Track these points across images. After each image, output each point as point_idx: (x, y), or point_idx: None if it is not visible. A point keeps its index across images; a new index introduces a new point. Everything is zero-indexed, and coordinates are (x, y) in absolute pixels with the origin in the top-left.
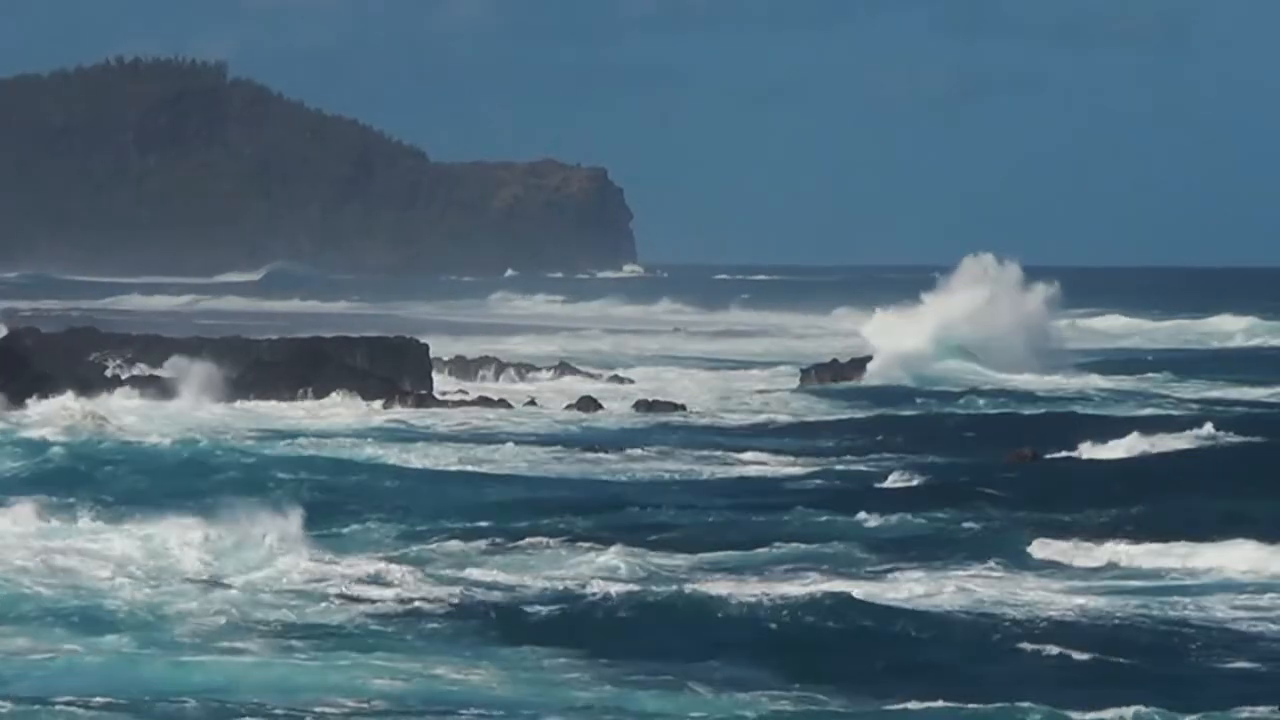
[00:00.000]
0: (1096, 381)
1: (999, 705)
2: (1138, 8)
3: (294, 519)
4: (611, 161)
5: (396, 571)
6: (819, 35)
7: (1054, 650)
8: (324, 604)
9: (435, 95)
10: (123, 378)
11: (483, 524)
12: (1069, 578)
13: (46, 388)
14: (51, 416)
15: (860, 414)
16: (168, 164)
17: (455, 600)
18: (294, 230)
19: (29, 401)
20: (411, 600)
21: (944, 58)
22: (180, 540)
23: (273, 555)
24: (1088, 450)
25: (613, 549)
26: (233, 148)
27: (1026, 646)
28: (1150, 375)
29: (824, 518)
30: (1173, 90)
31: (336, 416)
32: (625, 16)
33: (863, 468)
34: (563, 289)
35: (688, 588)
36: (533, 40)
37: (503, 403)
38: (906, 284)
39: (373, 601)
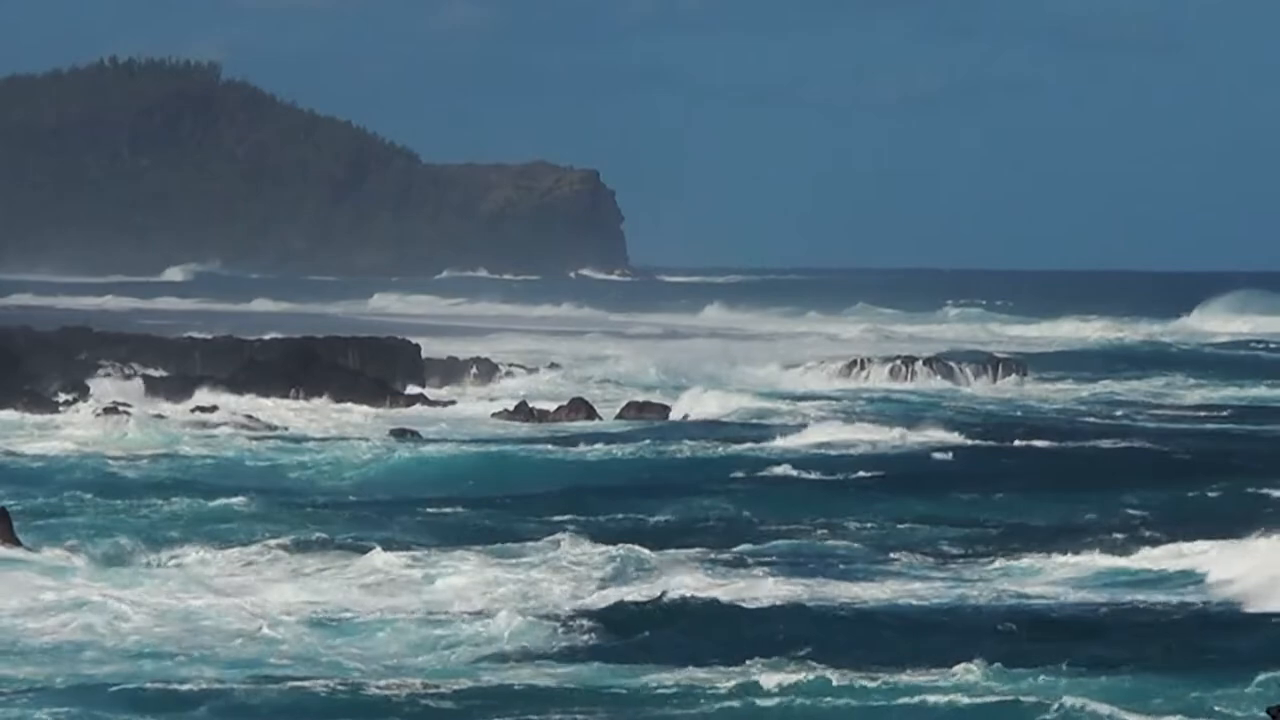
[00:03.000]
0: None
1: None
2: (1129, 13)
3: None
4: (604, 164)
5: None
6: (812, 38)
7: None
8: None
9: (428, 97)
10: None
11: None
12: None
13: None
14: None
15: None
16: (161, 165)
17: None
18: (286, 231)
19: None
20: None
21: (936, 61)
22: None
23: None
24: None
25: None
26: (226, 149)
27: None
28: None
29: None
30: (1165, 96)
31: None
32: (618, 19)
33: None
34: (461, 290)
35: None
36: (525, 42)
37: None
38: (883, 286)
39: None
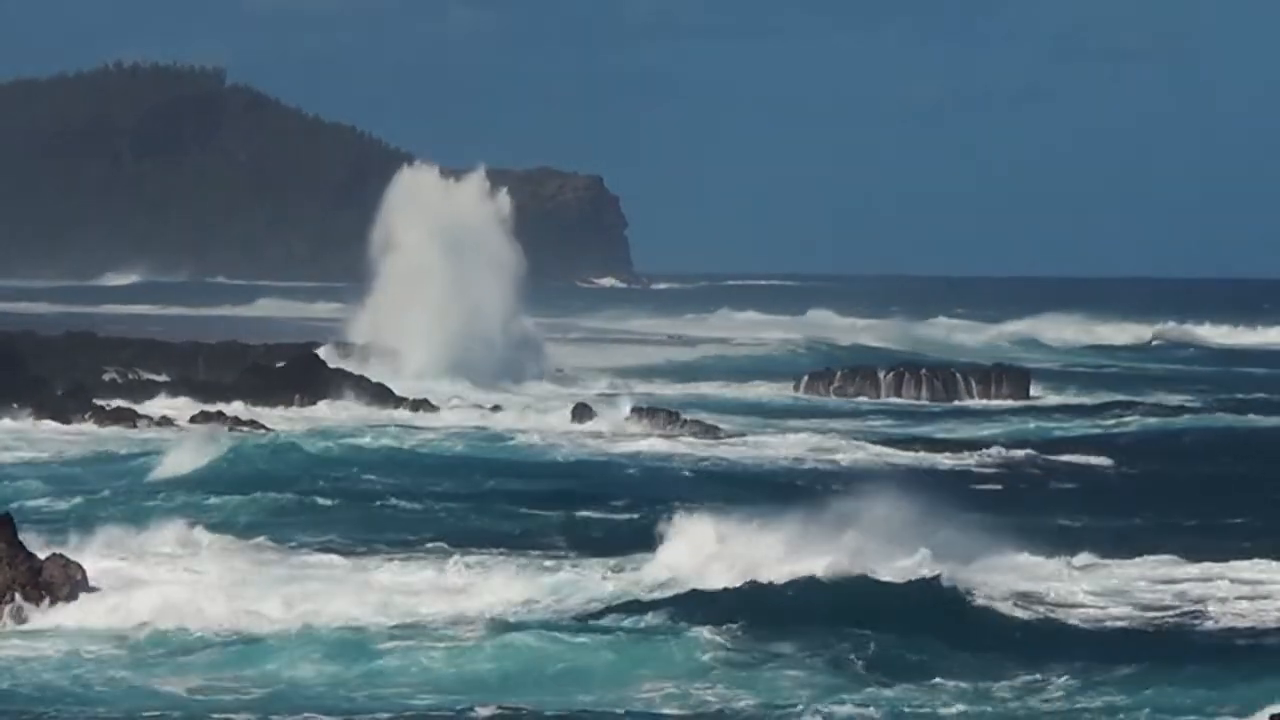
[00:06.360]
0: None
1: None
2: (1132, 22)
3: None
4: (607, 170)
5: None
6: (815, 45)
7: None
8: None
9: (432, 102)
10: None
11: None
12: None
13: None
14: None
15: None
16: (164, 169)
17: None
18: (289, 236)
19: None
20: None
21: (938, 69)
22: None
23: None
24: None
25: None
26: (229, 153)
27: None
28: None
29: None
30: (1163, 103)
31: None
32: (622, 25)
33: None
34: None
35: None
36: (529, 48)
37: (496, 408)
38: (859, 293)
39: None
